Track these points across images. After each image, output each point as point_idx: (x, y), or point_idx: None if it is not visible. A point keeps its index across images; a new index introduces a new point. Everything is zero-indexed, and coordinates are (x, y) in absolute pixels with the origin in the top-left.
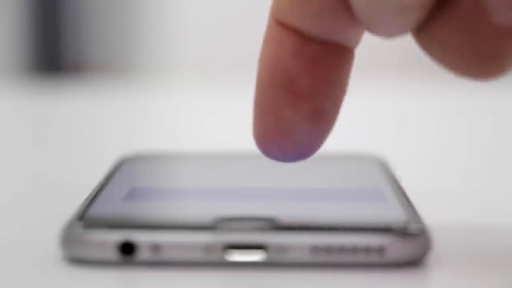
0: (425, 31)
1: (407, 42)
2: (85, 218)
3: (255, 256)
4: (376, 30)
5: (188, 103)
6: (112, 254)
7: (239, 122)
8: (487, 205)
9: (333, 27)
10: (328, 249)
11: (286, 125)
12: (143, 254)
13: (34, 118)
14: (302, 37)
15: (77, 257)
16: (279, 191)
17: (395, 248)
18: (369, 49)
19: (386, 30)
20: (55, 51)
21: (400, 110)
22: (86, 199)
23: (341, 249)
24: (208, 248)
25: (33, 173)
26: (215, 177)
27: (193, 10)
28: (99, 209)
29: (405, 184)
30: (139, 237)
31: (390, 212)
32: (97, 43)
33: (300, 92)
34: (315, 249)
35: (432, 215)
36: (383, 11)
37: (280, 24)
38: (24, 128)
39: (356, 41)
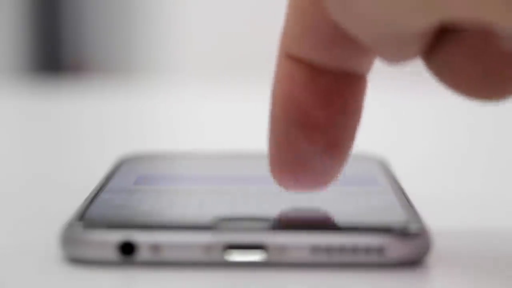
0: (434, 56)
1: None
2: (85, 218)
3: (255, 256)
4: (384, 57)
5: (188, 103)
6: (112, 254)
7: (239, 122)
8: (488, 205)
9: (343, 56)
10: (328, 249)
11: (302, 158)
12: (143, 254)
13: (34, 118)
14: (313, 69)
15: (77, 257)
16: (279, 191)
17: (395, 248)
18: None
19: (393, 58)
20: (55, 51)
21: (400, 110)
22: (86, 199)
23: (341, 249)
24: (208, 248)
25: (33, 173)
26: (215, 177)
27: (193, 10)
28: (99, 209)
29: (405, 184)
30: (139, 237)
31: (390, 212)
32: (97, 43)
33: (315, 125)
34: (315, 249)
35: (432, 215)
36: (384, 41)
37: (290, 58)
38: (24, 128)
39: (368, 67)
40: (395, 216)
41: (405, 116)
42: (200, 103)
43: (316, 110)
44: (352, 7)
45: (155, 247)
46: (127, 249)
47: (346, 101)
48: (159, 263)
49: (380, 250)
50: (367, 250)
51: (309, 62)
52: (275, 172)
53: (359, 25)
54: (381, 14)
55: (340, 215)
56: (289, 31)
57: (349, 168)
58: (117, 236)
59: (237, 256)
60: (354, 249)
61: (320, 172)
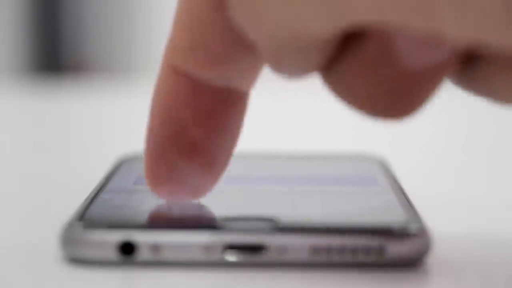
0: (331, 72)
1: None
2: (85, 218)
3: (255, 256)
4: (280, 69)
5: None
6: (112, 254)
7: None
8: (488, 206)
9: (231, 73)
10: (328, 249)
11: (176, 174)
12: (143, 254)
13: (34, 118)
14: (196, 84)
15: (77, 257)
16: (279, 191)
17: (395, 248)
18: None
19: (290, 69)
20: (55, 51)
21: None
22: (86, 199)
23: (341, 249)
24: (208, 248)
25: (32, 173)
26: None
27: None
28: (99, 209)
29: (405, 185)
30: (139, 237)
31: (390, 212)
32: (97, 43)
33: (193, 144)
34: (315, 249)
35: (432, 215)
36: (285, 49)
37: (173, 70)
38: (24, 128)
39: (252, 85)
40: (395, 216)
41: None
42: None
43: (194, 128)
44: (256, 6)
45: (155, 247)
46: (127, 249)
47: (226, 120)
48: (159, 263)
49: (380, 250)
50: (367, 250)
51: (193, 77)
52: (149, 180)
53: (262, 28)
54: (288, 14)
55: (340, 215)
56: (177, 43)
57: (349, 168)
58: (117, 236)
59: (237, 256)
60: (354, 249)
61: (193, 187)
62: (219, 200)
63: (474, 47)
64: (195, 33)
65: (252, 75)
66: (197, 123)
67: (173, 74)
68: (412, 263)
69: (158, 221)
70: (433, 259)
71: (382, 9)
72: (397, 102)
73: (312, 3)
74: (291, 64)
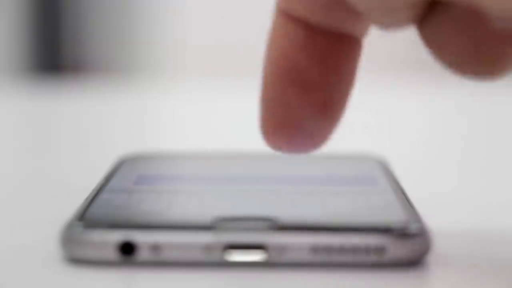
0: (426, 25)
1: (407, 42)
2: (85, 218)
3: (255, 256)
4: (376, 22)
5: (188, 103)
6: (112, 254)
7: (239, 121)
8: (488, 205)
9: (339, 18)
10: (328, 249)
11: (294, 117)
12: (143, 254)
13: (34, 118)
14: (310, 28)
15: (77, 257)
16: (279, 191)
17: (395, 248)
18: (369, 49)
19: (384, 23)
20: (55, 51)
21: (400, 110)
22: (86, 199)
23: (341, 249)
24: (208, 248)
25: (33, 173)
26: (215, 177)
27: (193, 9)
28: (99, 209)
29: (405, 185)
30: (139, 237)
31: (390, 212)
32: (97, 43)
33: (309, 84)
34: (315, 249)
35: (432, 215)
36: (377, 6)
37: (287, 16)
38: (24, 128)
39: (364, 31)
40: (395, 216)
41: (405, 116)
42: (200, 103)
43: (310, 68)
44: None
45: (155, 247)
46: (127, 249)
47: (340, 61)
48: (159, 263)
49: (380, 250)
50: (367, 250)
51: (305, 21)
52: (267, 133)
53: None
54: None
55: (340, 215)
56: None
57: (349, 168)
58: (117, 236)
59: (237, 256)
60: (354, 249)
61: (312, 132)
62: (219, 200)
63: None
64: None
65: (361, 22)
66: (311, 64)
67: (285, 19)
68: (412, 263)
69: (158, 221)
70: (433, 258)
71: None
72: (487, 61)
73: None
74: (383, 18)
